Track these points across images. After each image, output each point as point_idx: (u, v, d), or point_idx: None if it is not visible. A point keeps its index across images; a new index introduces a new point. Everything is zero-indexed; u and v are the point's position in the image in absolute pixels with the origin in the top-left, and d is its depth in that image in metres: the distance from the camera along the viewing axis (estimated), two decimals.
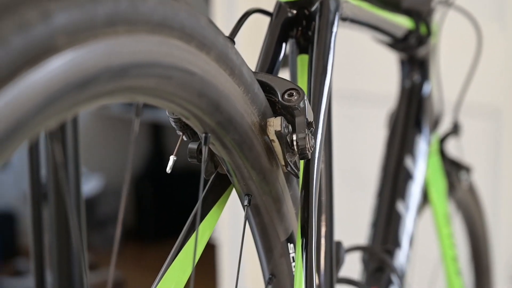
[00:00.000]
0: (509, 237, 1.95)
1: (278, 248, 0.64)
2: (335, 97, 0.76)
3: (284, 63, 0.71)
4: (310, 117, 0.58)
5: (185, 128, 0.57)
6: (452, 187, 1.25)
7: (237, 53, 0.52)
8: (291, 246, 0.65)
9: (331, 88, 0.68)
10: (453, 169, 1.26)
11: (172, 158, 0.58)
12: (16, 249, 3.97)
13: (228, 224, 2.39)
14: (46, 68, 0.34)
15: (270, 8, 0.72)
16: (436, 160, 1.20)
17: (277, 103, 0.58)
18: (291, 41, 0.71)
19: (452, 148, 1.34)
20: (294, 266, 0.64)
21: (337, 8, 0.72)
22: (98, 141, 4.25)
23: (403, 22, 1.01)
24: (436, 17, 1.13)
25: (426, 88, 1.12)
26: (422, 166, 1.08)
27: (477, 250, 1.42)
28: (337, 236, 0.75)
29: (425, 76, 1.13)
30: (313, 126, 0.59)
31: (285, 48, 0.70)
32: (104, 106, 3.97)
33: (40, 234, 1.03)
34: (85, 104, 0.39)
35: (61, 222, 1.02)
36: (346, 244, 0.79)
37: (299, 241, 0.61)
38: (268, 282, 0.65)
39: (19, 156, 3.33)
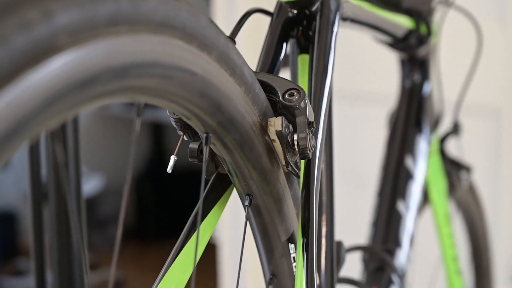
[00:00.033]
0: (510, 237, 1.95)
1: (279, 248, 0.64)
2: (336, 97, 0.76)
3: (285, 63, 0.71)
4: (310, 117, 0.58)
5: (186, 128, 0.57)
6: (452, 187, 1.25)
7: (238, 53, 0.52)
8: (291, 246, 0.65)
9: (331, 88, 0.68)
10: (453, 169, 1.26)
11: (172, 158, 0.58)
12: (16, 249, 3.97)
13: (228, 224, 2.39)
14: (47, 68, 0.34)
15: (271, 8, 0.72)
16: (437, 159, 1.20)
17: (277, 103, 0.58)
18: (291, 41, 0.71)
19: (453, 148, 1.34)
20: (295, 266, 0.64)
21: (337, 8, 0.72)
22: (98, 141, 4.25)
23: (403, 22, 1.01)
24: (436, 17, 1.13)
25: (427, 88, 1.13)
26: (423, 165, 1.08)
27: (477, 250, 1.42)
28: (337, 236, 0.75)
29: (425, 76, 1.13)
30: (314, 126, 0.59)
31: (286, 48, 0.70)
32: (105, 106, 3.97)
33: (40, 234, 1.03)
34: (87, 104, 0.39)
35: (62, 222, 1.02)
36: (347, 243, 0.79)
37: (300, 241, 0.61)
38: (269, 282, 0.65)
39: (20, 156, 3.33)
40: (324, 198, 0.72)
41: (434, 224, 1.18)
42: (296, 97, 0.57)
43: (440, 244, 1.19)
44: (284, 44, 0.70)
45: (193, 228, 0.58)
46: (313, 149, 0.58)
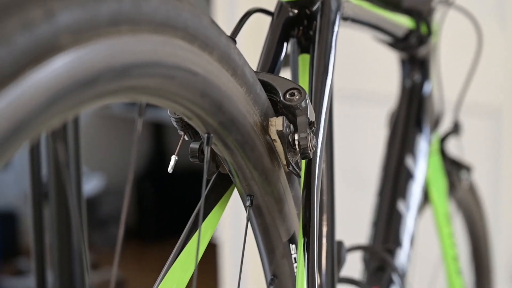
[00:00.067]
0: (510, 236, 1.95)
1: (280, 249, 0.64)
2: (336, 96, 0.76)
3: (286, 62, 0.71)
4: (311, 116, 0.58)
5: (187, 127, 0.57)
6: (452, 187, 1.25)
7: (239, 53, 0.52)
8: (293, 246, 0.65)
9: (332, 87, 0.68)
10: (453, 168, 1.26)
11: (173, 158, 0.58)
12: (17, 249, 3.97)
13: (229, 223, 2.39)
14: (49, 67, 0.34)
15: (271, 8, 0.72)
16: (437, 159, 1.20)
17: (278, 103, 0.58)
18: (292, 41, 0.71)
19: (453, 147, 1.34)
20: (296, 267, 0.64)
21: (338, 8, 0.72)
22: (99, 141, 4.25)
23: (403, 22, 1.01)
24: (436, 17, 1.13)
25: (427, 87, 1.13)
26: (423, 165, 1.08)
27: (477, 250, 1.42)
28: (338, 236, 0.75)
29: (425, 75, 1.13)
30: (315, 125, 0.59)
31: (287, 48, 0.70)
32: (106, 105, 3.98)
33: (41, 234, 1.03)
34: (88, 103, 0.39)
35: (62, 221, 1.02)
36: (347, 243, 0.79)
37: (301, 240, 0.61)
38: (270, 283, 0.65)
39: (20, 156, 3.33)
40: (324, 198, 0.72)
41: (434, 223, 1.18)
42: (297, 97, 0.57)
43: (441, 243, 1.19)
44: (285, 44, 0.70)
45: (194, 228, 0.58)
46: (314, 148, 0.58)
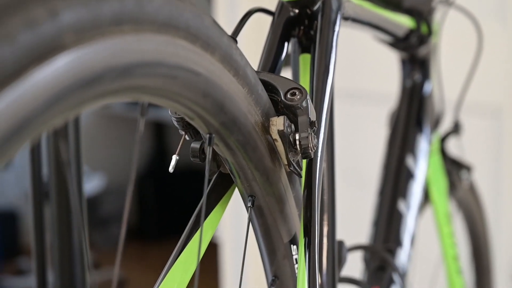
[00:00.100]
0: (511, 236, 1.95)
1: (281, 250, 0.64)
2: (336, 96, 0.76)
3: (286, 62, 0.71)
4: (312, 116, 0.58)
5: (188, 127, 0.57)
6: (453, 186, 1.25)
7: (241, 54, 0.52)
8: (294, 247, 0.65)
9: (333, 87, 0.68)
10: (454, 168, 1.26)
11: (174, 158, 0.58)
12: (18, 248, 3.97)
13: (230, 223, 2.39)
14: (52, 66, 0.34)
15: (272, 8, 0.72)
16: (437, 159, 1.20)
17: (279, 103, 0.58)
18: (293, 40, 0.71)
19: (453, 147, 1.34)
20: (297, 268, 0.64)
21: (339, 7, 0.72)
22: (100, 140, 4.25)
23: (404, 22, 1.02)
24: (437, 17, 1.13)
25: (427, 87, 1.13)
26: (423, 165, 1.08)
27: (477, 249, 1.42)
28: (338, 235, 0.75)
29: (426, 75, 1.13)
30: (316, 125, 0.59)
31: (287, 47, 0.70)
32: (107, 105, 3.98)
33: (41, 233, 1.03)
34: (91, 102, 0.39)
35: (63, 221, 1.02)
36: (348, 243, 0.79)
37: (301, 240, 0.61)
38: (271, 284, 0.65)
39: (21, 156, 3.33)
40: (325, 197, 0.72)
41: (434, 223, 1.18)
42: (298, 97, 0.57)
43: (441, 243, 1.19)
44: (286, 44, 0.70)
45: (195, 227, 0.58)
46: (315, 148, 0.58)
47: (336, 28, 0.70)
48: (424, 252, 1.36)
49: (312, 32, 0.71)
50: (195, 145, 0.58)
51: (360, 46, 1.91)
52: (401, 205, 1.03)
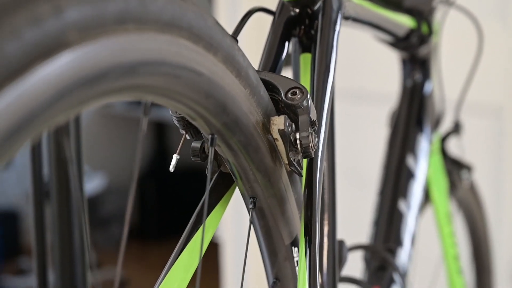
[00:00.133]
0: (511, 236, 1.95)
1: (283, 252, 0.64)
2: (337, 95, 0.76)
3: (287, 62, 0.71)
4: (313, 115, 0.58)
5: (188, 126, 0.57)
6: (453, 186, 1.25)
7: (243, 55, 0.52)
8: (295, 250, 0.64)
9: (334, 86, 0.68)
10: (454, 168, 1.26)
11: (175, 157, 0.58)
12: (18, 248, 3.97)
13: (231, 222, 2.39)
14: (56, 63, 0.34)
15: (273, 7, 0.72)
16: (438, 159, 1.20)
17: (280, 102, 0.58)
18: (293, 40, 0.71)
19: (454, 147, 1.34)
20: (298, 268, 0.64)
21: (339, 7, 0.72)
22: (101, 140, 4.26)
23: (404, 21, 1.02)
24: (437, 16, 1.13)
25: (428, 87, 1.13)
26: (424, 165, 1.08)
27: (478, 249, 1.42)
28: (339, 235, 0.75)
29: (426, 75, 1.13)
30: (316, 124, 0.59)
31: (288, 47, 0.70)
32: (108, 104, 3.98)
33: (42, 233, 1.03)
34: (94, 100, 0.39)
35: (64, 220, 1.02)
36: (348, 243, 0.79)
37: (302, 239, 0.61)
38: (272, 286, 0.65)
39: (22, 155, 3.33)
40: (326, 196, 0.73)
41: (435, 223, 1.18)
42: (299, 96, 0.57)
43: (441, 243, 1.19)
44: (286, 43, 0.70)
45: (196, 226, 0.58)
46: (315, 147, 0.58)
47: (337, 28, 0.70)
48: (424, 252, 1.36)
49: (312, 32, 0.71)
50: (196, 144, 0.58)
51: (360, 45, 1.91)
52: (402, 205, 1.03)
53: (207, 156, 0.58)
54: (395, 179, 1.06)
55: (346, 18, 0.76)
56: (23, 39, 0.32)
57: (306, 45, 0.71)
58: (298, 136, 0.57)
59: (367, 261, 0.99)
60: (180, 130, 0.58)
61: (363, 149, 2.23)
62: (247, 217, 0.61)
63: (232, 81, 0.51)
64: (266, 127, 0.56)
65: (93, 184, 3.67)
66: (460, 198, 1.31)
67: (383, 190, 1.06)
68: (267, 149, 0.57)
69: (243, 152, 0.55)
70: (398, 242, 1.00)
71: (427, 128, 1.10)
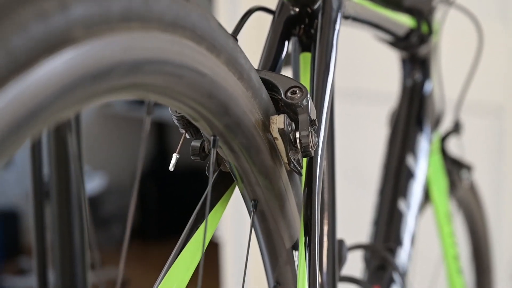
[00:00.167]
0: (511, 235, 1.95)
1: (283, 256, 0.64)
2: (337, 95, 0.76)
3: (287, 61, 0.71)
4: (313, 114, 0.58)
5: (188, 126, 0.57)
6: (453, 186, 1.25)
7: (245, 57, 0.52)
8: (296, 253, 0.65)
9: (333, 86, 0.68)
10: (454, 167, 1.26)
11: (174, 156, 0.58)
12: (19, 248, 3.97)
13: (231, 222, 2.39)
14: (62, 58, 0.34)
15: (273, 6, 0.72)
16: (438, 158, 1.20)
17: (280, 101, 0.58)
18: (293, 39, 0.71)
19: (454, 146, 1.34)
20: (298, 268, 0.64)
21: (339, 6, 0.72)
22: (101, 139, 4.26)
23: (404, 21, 1.02)
24: (437, 16, 1.13)
25: (428, 86, 1.13)
26: (424, 164, 1.08)
27: (478, 249, 1.42)
28: (339, 235, 0.75)
29: (426, 74, 1.13)
30: (316, 123, 0.59)
31: (288, 46, 0.70)
32: (108, 104, 3.98)
33: (42, 233, 1.04)
34: (97, 98, 0.39)
35: (64, 220, 1.02)
36: (348, 242, 0.79)
37: (302, 239, 0.61)
38: None
39: (22, 155, 3.33)
40: (326, 196, 0.72)
41: (435, 222, 1.18)
42: (298, 95, 0.57)
43: (441, 243, 1.19)
44: (286, 42, 0.70)
45: (196, 225, 0.58)
46: (315, 147, 0.58)
47: (337, 27, 0.71)
48: (424, 252, 1.36)
49: (312, 31, 0.71)
50: (196, 143, 0.58)
51: (360, 45, 1.91)
52: (402, 205, 1.03)
53: (207, 155, 0.58)
54: (395, 178, 1.06)
55: (346, 17, 0.76)
56: (30, 33, 0.32)
57: (306, 44, 0.71)
58: (297, 135, 0.57)
59: (367, 261, 0.99)
60: (180, 129, 0.58)
61: (363, 149, 2.23)
62: (247, 217, 0.61)
63: (235, 83, 0.51)
64: (266, 126, 0.56)
65: (93, 184, 3.67)
66: (460, 197, 1.31)
67: (383, 189, 1.06)
68: (267, 149, 0.57)
69: (244, 154, 0.55)
70: (398, 242, 1.00)
71: (427, 127, 1.10)
